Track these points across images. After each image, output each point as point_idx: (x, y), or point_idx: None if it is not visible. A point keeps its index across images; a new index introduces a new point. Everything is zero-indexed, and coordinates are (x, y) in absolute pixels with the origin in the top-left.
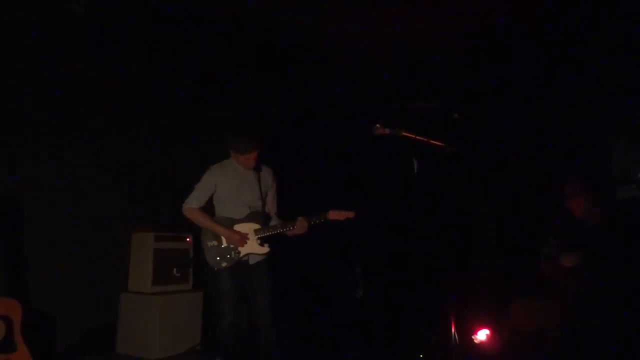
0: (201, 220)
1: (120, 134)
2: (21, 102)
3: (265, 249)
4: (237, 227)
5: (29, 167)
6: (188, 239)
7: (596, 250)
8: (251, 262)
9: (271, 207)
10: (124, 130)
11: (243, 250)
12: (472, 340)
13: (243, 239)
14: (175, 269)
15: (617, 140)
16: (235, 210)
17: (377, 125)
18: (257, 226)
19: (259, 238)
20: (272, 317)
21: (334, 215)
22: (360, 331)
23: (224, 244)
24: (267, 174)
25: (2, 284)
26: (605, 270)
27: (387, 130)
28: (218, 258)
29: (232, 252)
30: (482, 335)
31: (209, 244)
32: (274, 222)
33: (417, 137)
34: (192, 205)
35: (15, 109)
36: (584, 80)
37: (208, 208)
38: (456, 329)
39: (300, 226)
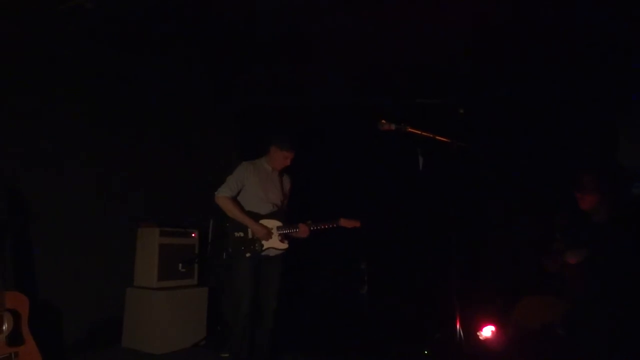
0: (233, 209)
1: (126, 131)
2: (27, 100)
3: (285, 245)
4: (262, 222)
5: (36, 163)
6: (193, 235)
7: (602, 248)
8: (271, 254)
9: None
10: (130, 127)
11: (266, 244)
12: (477, 336)
13: (269, 233)
14: (180, 265)
15: (624, 138)
16: (260, 206)
17: (383, 121)
18: (279, 223)
19: (280, 234)
20: (277, 305)
21: (344, 223)
22: (365, 327)
23: (250, 236)
24: (287, 180)
25: (10, 279)
26: (610, 268)
27: (392, 126)
28: (243, 248)
29: (256, 244)
30: (487, 331)
31: (236, 234)
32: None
33: (423, 133)
34: (225, 194)
35: (22, 106)
36: (593, 76)
37: None
38: (461, 325)
39: (302, 231)
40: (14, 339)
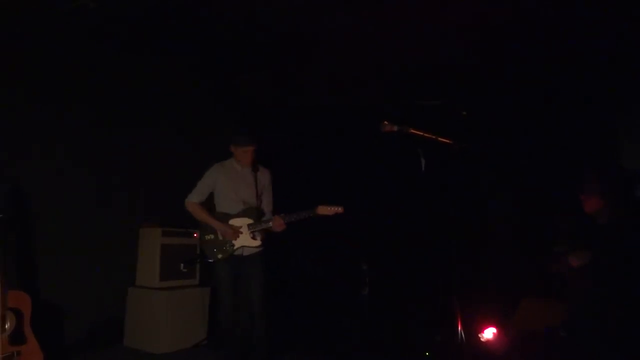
0: (199, 213)
1: (128, 131)
2: (29, 101)
3: (257, 242)
4: (232, 222)
5: (39, 164)
6: (195, 235)
7: (605, 251)
8: (245, 253)
9: (267, 205)
10: (131, 127)
11: (237, 243)
12: (479, 338)
13: (235, 232)
14: (182, 265)
15: (624, 139)
16: (231, 206)
17: (385, 122)
18: (250, 221)
19: (251, 232)
20: (264, 305)
21: (322, 210)
22: (365, 328)
23: (220, 237)
24: (263, 175)
25: (12, 278)
26: (613, 270)
27: (394, 127)
28: (214, 250)
29: (227, 245)
30: (488, 333)
31: (207, 237)
32: (267, 218)
33: (425, 135)
34: (192, 199)
35: (25, 107)
36: (597, 78)
37: (209, 204)
38: (462, 327)
39: (276, 224)
40: (16, 337)
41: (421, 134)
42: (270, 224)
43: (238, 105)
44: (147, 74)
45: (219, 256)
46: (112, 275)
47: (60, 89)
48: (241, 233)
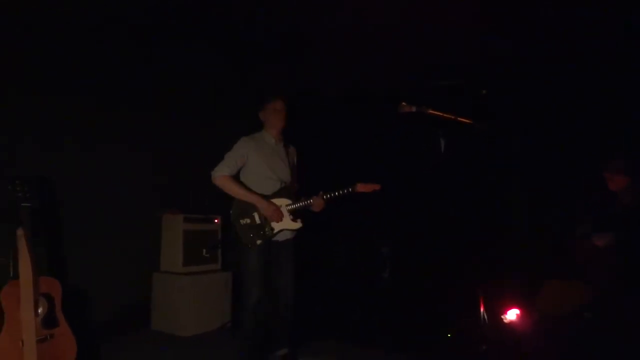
0: (234, 188)
1: (150, 120)
2: (53, 90)
3: (299, 224)
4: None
5: (65, 153)
6: (216, 221)
7: (629, 231)
8: (281, 239)
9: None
10: (154, 116)
11: (277, 226)
12: (502, 320)
13: (279, 211)
14: (204, 250)
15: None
16: (266, 185)
17: (403, 103)
18: (288, 201)
19: (291, 213)
20: (293, 294)
21: (361, 187)
22: (387, 311)
23: (258, 221)
24: (292, 151)
25: (43, 264)
26: (637, 251)
27: (413, 108)
28: (252, 235)
29: (266, 229)
30: (512, 315)
31: (242, 221)
32: (305, 197)
33: (444, 115)
34: (223, 172)
35: (48, 98)
36: (619, 59)
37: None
38: (485, 308)
39: (316, 203)
40: (49, 321)
41: (440, 114)
42: (310, 201)
43: (261, 92)
44: (169, 62)
45: (258, 242)
46: (137, 261)
47: (81, 78)
48: (283, 214)
